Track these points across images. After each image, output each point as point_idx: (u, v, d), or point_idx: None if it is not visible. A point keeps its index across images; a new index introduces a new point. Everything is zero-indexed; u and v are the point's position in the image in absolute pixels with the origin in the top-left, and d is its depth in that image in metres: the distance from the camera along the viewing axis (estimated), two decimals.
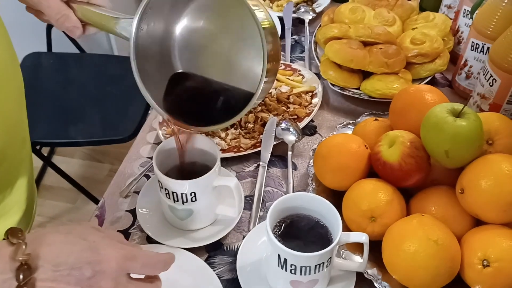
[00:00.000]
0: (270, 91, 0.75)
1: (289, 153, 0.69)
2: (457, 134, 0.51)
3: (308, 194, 0.54)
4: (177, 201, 0.55)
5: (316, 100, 0.77)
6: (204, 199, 0.56)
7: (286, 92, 0.77)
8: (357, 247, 0.56)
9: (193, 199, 0.55)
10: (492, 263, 0.48)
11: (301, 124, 0.73)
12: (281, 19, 0.95)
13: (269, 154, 0.69)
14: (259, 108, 0.73)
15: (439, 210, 0.54)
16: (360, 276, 0.55)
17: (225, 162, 0.69)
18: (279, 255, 0.49)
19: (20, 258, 0.37)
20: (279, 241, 0.49)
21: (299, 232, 0.52)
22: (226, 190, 0.57)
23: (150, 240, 0.59)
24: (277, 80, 0.79)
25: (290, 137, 0.71)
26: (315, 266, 0.48)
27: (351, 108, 0.79)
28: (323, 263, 0.48)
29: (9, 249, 0.38)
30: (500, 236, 0.50)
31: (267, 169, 0.69)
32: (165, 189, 0.55)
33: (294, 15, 0.96)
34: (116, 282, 0.40)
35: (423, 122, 0.54)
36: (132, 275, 0.42)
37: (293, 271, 0.49)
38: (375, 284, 0.53)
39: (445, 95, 0.83)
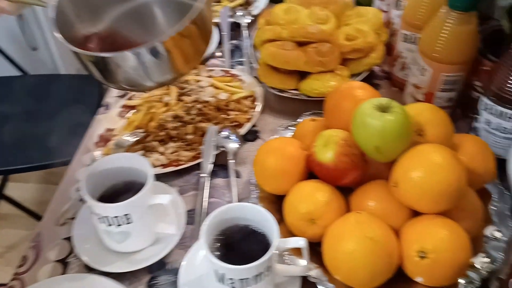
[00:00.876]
0: (207, 100, 0.74)
1: (232, 161, 0.68)
2: (384, 129, 0.51)
3: (243, 204, 0.53)
4: (112, 224, 0.53)
5: (256, 105, 0.76)
6: (140, 219, 0.54)
7: (225, 99, 0.76)
8: (301, 251, 0.56)
9: (128, 221, 0.53)
10: (428, 254, 0.49)
11: (242, 131, 0.72)
12: (218, 25, 0.94)
13: (211, 165, 0.67)
14: (198, 118, 0.72)
15: (376, 205, 0.54)
16: (307, 279, 0.54)
17: (166, 177, 0.68)
18: (216, 270, 0.48)
19: None
20: (218, 255, 0.48)
21: (239, 244, 0.52)
22: (164, 207, 0.56)
23: (89, 268, 0.57)
24: (215, 87, 0.78)
25: (231, 145, 0.70)
26: (254, 277, 0.47)
27: (292, 109, 0.78)
28: (262, 273, 0.48)
29: None
30: (434, 226, 0.50)
31: (210, 180, 0.68)
32: (97, 213, 0.53)
33: (231, 19, 0.96)
34: None
35: (353, 119, 0.54)
36: None
37: (233, 285, 0.48)
38: (319, 287, 0.52)
39: (385, 88, 0.85)
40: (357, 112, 0.53)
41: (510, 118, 0.61)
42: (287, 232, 0.58)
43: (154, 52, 0.52)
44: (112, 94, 0.84)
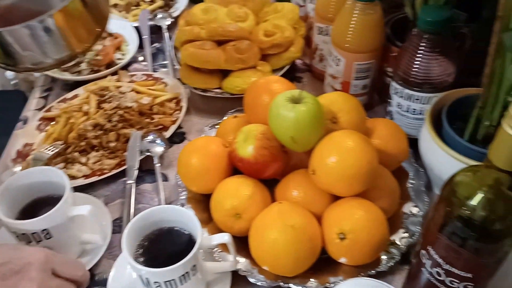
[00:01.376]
0: (130, 105, 0.73)
1: (157, 165, 0.68)
2: (297, 120, 0.53)
3: (164, 207, 0.53)
4: (31, 241, 0.51)
5: (181, 106, 0.76)
6: (60, 233, 0.53)
7: (148, 103, 0.75)
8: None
9: (47, 236, 0.51)
10: (347, 235, 0.51)
11: (168, 133, 0.72)
12: (138, 28, 0.93)
13: (136, 171, 0.66)
14: (120, 125, 0.70)
15: (299, 194, 0.56)
16: (239, 274, 0.55)
17: (92, 187, 0.66)
18: (140, 276, 0.47)
19: None
20: (142, 260, 0.48)
21: (164, 247, 0.51)
22: (86, 217, 0.54)
23: None
24: (137, 92, 0.77)
25: (157, 149, 0.69)
26: (180, 278, 0.47)
27: (217, 108, 0.79)
28: (188, 272, 0.48)
29: None
30: (351, 208, 0.52)
31: (138, 186, 0.67)
32: (14, 232, 0.51)
33: (152, 22, 0.95)
34: (43, 274, 0.43)
35: (269, 112, 0.55)
36: None
37: None
38: (250, 279, 0.53)
39: (307, 80, 0.87)
40: (272, 105, 0.55)
41: (417, 99, 0.65)
42: (216, 229, 0.58)
43: (45, 27, 0.53)
44: (30, 107, 0.80)
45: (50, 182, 0.55)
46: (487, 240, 0.39)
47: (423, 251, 0.45)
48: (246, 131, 0.58)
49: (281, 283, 0.53)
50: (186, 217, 0.51)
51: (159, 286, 0.47)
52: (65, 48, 0.56)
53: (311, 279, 0.53)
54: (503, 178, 0.37)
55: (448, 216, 0.40)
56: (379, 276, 0.55)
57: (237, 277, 0.55)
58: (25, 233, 0.51)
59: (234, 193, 0.56)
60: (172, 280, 0.47)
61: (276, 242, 0.50)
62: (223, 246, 0.57)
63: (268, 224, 0.52)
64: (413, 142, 0.65)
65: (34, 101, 0.82)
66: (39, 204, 0.56)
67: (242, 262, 0.55)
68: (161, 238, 0.52)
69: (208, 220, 0.59)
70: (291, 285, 0.52)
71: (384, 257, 0.55)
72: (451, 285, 0.43)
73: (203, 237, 0.49)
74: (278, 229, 0.50)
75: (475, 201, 0.38)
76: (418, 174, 0.65)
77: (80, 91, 0.78)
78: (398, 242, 0.57)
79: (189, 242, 0.51)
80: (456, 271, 0.42)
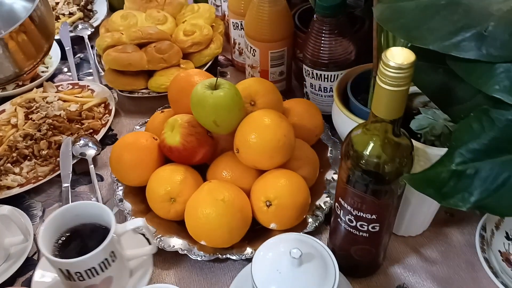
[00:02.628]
0: (58, 113, 0.75)
1: (91, 166, 0.70)
2: (217, 104, 0.57)
3: (75, 204, 0.54)
4: None
5: (110, 110, 0.79)
6: None
7: (76, 110, 0.77)
8: (170, 228, 0.60)
9: None
10: (273, 201, 0.56)
11: (99, 136, 0.74)
12: (60, 41, 0.94)
13: (70, 174, 0.68)
14: (50, 133, 0.72)
15: (227, 173, 0.61)
16: (183, 256, 0.59)
17: (28, 195, 0.67)
18: (60, 269, 0.49)
19: None
20: (60, 254, 0.50)
21: (82, 241, 0.52)
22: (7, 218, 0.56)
23: None
24: (64, 100, 0.79)
25: (90, 152, 0.71)
26: (100, 264, 0.49)
27: (146, 108, 0.82)
28: (107, 259, 0.50)
29: None
30: (275, 177, 0.58)
31: (74, 188, 0.69)
32: None
33: (73, 34, 0.96)
34: None
35: (191, 101, 0.60)
36: None
37: (81, 278, 0.50)
38: (191, 257, 0.57)
39: (230, 73, 0.92)
40: (193, 94, 0.59)
41: (326, 78, 0.72)
42: (155, 217, 0.62)
43: None
44: None
45: None
46: (382, 182, 0.46)
47: (336, 204, 0.51)
48: (172, 122, 0.62)
49: (219, 255, 0.57)
50: (98, 209, 0.53)
51: (80, 276, 0.49)
52: (12, 67, 0.56)
53: (247, 248, 0.58)
54: (386, 127, 0.43)
55: (349, 168, 0.47)
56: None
57: (179, 258, 0.59)
58: None
59: (167, 180, 0.59)
60: (93, 268, 0.49)
61: (209, 216, 0.54)
62: (164, 230, 0.60)
63: (200, 201, 0.56)
64: (329, 118, 0.72)
65: None
66: None
67: (182, 243, 0.59)
68: (78, 233, 0.53)
69: (146, 210, 0.63)
70: (228, 255, 0.57)
71: (310, 220, 0.61)
72: (361, 228, 0.50)
73: (117, 225, 0.51)
74: (209, 204, 0.55)
75: (367, 150, 0.45)
76: (336, 145, 0.72)
77: (6, 106, 0.78)
78: (322, 205, 0.63)
79: (105, 232, 0.51)
80: (363, 214, 0.48)
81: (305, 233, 0.60)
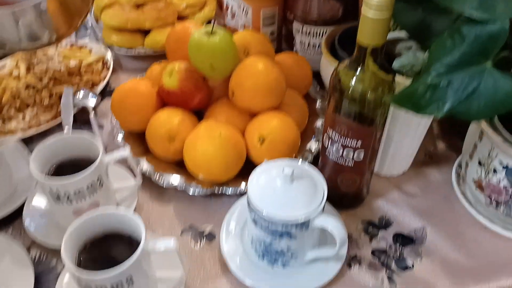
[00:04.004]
0: (59, 67, 0.78)
1: (91, 115, 0.73)
2: (214, 48, 0.61)
3: (64, 136, 0.57)
4: None
5: (108, 66, 0.82)
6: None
7: (76, 65, 0.80)
8: (167, 168, 0.64)
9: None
10: (266, 138, 0.60)
11: (98, 89, 0.77)
12: None
13: (71, 121, 0.71)
14: (51, 84, 0.75)
15: (222, 116, 0.64)
16: (180, 192, 0.62)
17: (31, 142, 0.70)
18: (51, 191, 0.52)
19: None
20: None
21: (71, 171, 0.52)
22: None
23: None
24: (64, 56, 0.82)
25: (90, 102, 0.75)
26: (87, 186, 0.52)
27: (143, 66, 0.85)
28: (94, 182, 0.53)
29: None
30: (268, 117, 0.62)
31: None
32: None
33: None
34: None
35: (189, 47, 0.63)
36: None
37: (69, 202, 0.53)
38: (189, 193, 0.61)
39: None
40: (191, 40, 0.63)
41: (315, 34, 0.76)
42: (154, 158, 0.65)
43: (37, 9, 0.50)
44: None
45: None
46: (366, 110, 0.50)
47: (325, 135, 0.56)
48: (170, 68, 0.65)
49: (216, 190, 0.61)
50: (88, 143, 0.56)
51: (69, 197, 0.52)
52: (52, 31, 0.53)
53: (241, 183, 0.62)
54: (369, 58, 0.48)
55: (337, 100, 0.51)
56: None
57: (177, 194, 0.63)
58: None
59: (166, 121, 0.63)
60: (81, 188, 0.52)
61: (207, 151, 0.58)
62: (163, 169, 0.64)
63: (197, 138, 0.60)
64: (316, 75, 0.76)
65: None
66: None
67: (180, 180, 0.62)
68: (67, 164, 0.56)
69: (145, 151, 0.67)
70: (225, 188, 0.61)
71: (300, 160, 0.66)
72: (347, 157, 0.54)
73: (104, 156, 0.55)
74: (207, 140, 0.59)
75: (352, 81, 0.49)
76: (324, 98, 0.77)
77: (7, 61, 0.81)
78: (311, 149, 0.67)
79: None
80: (349, 142, 0.53)
81: None
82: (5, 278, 0.53)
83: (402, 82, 0.54)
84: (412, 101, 0.42)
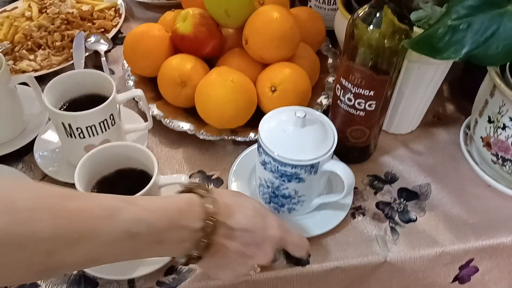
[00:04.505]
0: (71, 11, 0.77)
1: (103, 59, 0.73)
2: None
3: (77, 71, 0.57)
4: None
5: (120, 13, 0.81)
6: (3, 104, 0.57)
7: (88, 10, 0.80)
8: (178, 114, 0.65)
9: None
10: (277, 87, 0.61)
11: (110, 35, 0.77)
12: None
13: (83, 63, 0.72)
14: (63, 27, 0.74)
15: (234, 65, 0.64)
16: (188, 136, 0.63)
17: (42, 81, 0.70)
18: (63, 124, 0.52)
19: (212, 212, 0.39)
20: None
21: (84, 107, 0.53)
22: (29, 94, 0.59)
23: None
24: (77, 1, 0.81)
25: (101, 47, 0.75)
26: (100, 124, 0.53)
27: (155, 16, 0.85)
28: (106, 120, 0.53)
29: (199, 201, 0.39)
30: (280, 67, 0.62)
31: None
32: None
33: None
34: (274, 250, 0.44)
35: None
36: None
37: (81, 135, 0.53)
38: (199, 136, 0.62)
39: None
40: None
41: None
42: (165, 104, 0.66)
43: None
44: None
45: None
46: (381, 57, 0.50)
47: (337, 85, 0.56)
48: (185, 13, 0.65)
49: (225, 136, 0.62)
50: (101, 79, 0.56)
51: (81, 132, 0.53)
52: None
53: (250, 133, 0.62)
54: (388, 5, 0.47)
55: (353, 46, 0.51)
56: None
57: (187, 140, 0.63)
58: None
59: (178, 66, 0.63)
60: (93, 125, 0.52)
61: (219, 94, 0.59)
62: (173, 115, 0.64)
63: (210, 82, 0.60)
64: (330, 33, 0.76)
65: None
66: None
67: (190, 127, 0.63)
68: (80, 101, 0.56)
69: (156, 97, 0.67)
70: (233, 137, 0.62)
71: None
72: (359, 107, 0.55)
73: (117, 94, 0.55)
74: (219, 84, 0.59)
75: (370, 26, 0.49)
76: (335, 56, 0.76)
77: (19, 3, 0.80)
78: (322, 102, 0.68)
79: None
80: (361, 91, 0.53)
81: None
82: None
83: (418, 31, 0.53)
84: (430, 45, 0.42)
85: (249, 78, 0.63)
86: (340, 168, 0.50)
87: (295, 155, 0.48)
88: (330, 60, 0.75)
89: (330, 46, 0.78)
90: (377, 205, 0.58)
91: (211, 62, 0.68)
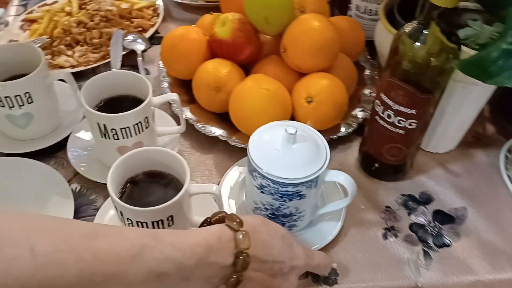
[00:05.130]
0: (110, 9, 0.78)
1: (139, 58, 0.73)
2: (270, 1, 0.60)
3: (113, 71, 0.59)
4: (13, 106, 0.56)
5: (158, 13, 0.82)
6: (41, 99, 0.57)
7: (127, 8, 0.80)
8: (211, 119, 0.64)
9: (29, 100, 0.56)
10: (314, 98, 0.59)
11: (147, 34, 0.77)
12: None
13: (120, 62, 0.72)
14: (102, 24, 0.75)
15: (270, 72, 0.63)
16: (219, 142, 0.62)
17: (78, 78, 0.71)
18: (98, 124, 0.52)
19: (243, 247, 0.37)
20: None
21: (120, 107, 0.53)
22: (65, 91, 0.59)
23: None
24: None
25: (138, 46, 0.75)
26: (134, 126, 0.53)
27: (192, 17, 0.84)
28: (141, 122, 0.53)
29: (230, 235, 0.38)
30: (318, 78, 0.61)
31: None
32: None
33: None
34: (297, 279, 0.43)
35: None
36: None
37: (115, 136, 0.52)
38: (230, 143, 0.61)
39: None
40: None
41: None
42: (198, 108, 0.65)
43: None
44: (10, 13, 0.83)
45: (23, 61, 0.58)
46: (426, 75, 0.48)
47: (377, 101, 0.54)
48: (223, 18, 0.64)
49: None
50: (139, 81, 0.56)
51: (115, 134, 0.52)
52: None
53: None
54: (437, 22, 0.46)
55: (397, 62, 0.49)
56: (340, 141, 0.64)
57: (218, 145, 0.63)
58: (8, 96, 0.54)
59: (214, 71, 0.62)
60: (127, 127, 0.52)
61: (254, 102, 0.58)
62: (205, 120, 0.64)
63: (245, 89, 0.59)
64: (369, 43, 0.74)
65: (13, 8, 0.84)
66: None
67: (222, 132, 0.62)
68: (117, 101, 0.56)
69: (190, 101, 0.66)
70: None
71: (343, 127, 0.64)
72: (399, 124, 0.53)
73: (152, 97, 0.54)
74: (255, 92, 0.58)
75: (416, 42, 0.47)
76: (373, 67, 0.74)
77: None
78: (357, 115, 0.66)
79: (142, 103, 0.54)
80: (403, 109, 0.51)
81: (337, 137, 0.63)
82: (47, 206, 0.54)
83: (466, 50, 0.51)
84: (481, 68, 0.40)
85: (285, 87, 0.62)
86: (341, 177, 0.49)
87: (295, 173, 0.46)
88: (367, 71, 0.73)
89: (369, 57, 0.76)
90: (411, 226, 0.56)
91: (247, 68, 0.67)
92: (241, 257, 0.37)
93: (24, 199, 0.55)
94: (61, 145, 0.61)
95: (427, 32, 0.47)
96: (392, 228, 0.56)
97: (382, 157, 0.58)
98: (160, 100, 0.56)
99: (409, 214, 0.57)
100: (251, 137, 0.49)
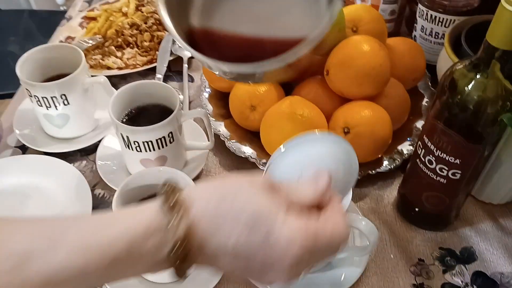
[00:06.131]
0: None
1: (185, 65, 0.72)
2: None
3: (145, 82, 0.56)
4: (50, 107, 0.57)
5: None
6: (77, 101, 0.58)
7: None
8: (244, 137, 0.61)
9: (65, 102, 0.57)
10: (352, 129, 0.54)
11: None
12: None
13: (165, 68, 0.71)
14: (154, 27, 0.75)
15: (310, 94, 0.59)
16: (249, 162, 0.59)
17: (124, 80, 0.72)
18: (122, 135, 0.52)
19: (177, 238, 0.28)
20: (126, 121, 0.53)
21: (148, 118, 0.54)
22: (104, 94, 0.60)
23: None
24: None
25: (186, 52, 0.74)
26: (157, 140, 0.51)
27: None
28: (164, 137, 0.52)
29: (161, 222, 0.29)
30: (357, 107, 0.56)
31: (165, 82, 0.72)
32: (35, 96, 0.56)
33: None
34: (297, 269, 0.31)
35: None
36: None
37: (138, 149, 0.52)
38: (259, 166, 0.58)
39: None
40: None
41: (440, 22, 0.66)
42: (233, 124, 0.63)
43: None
44: (76, 8, 0.86)
45: (64, 58, 0.60)
46: (476, 123, 0.42)
47: (419, 143, 0.48)
48: None
49: None
50: (168, 92, 0.55)
51: (138, 146, 0.52)
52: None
53: None
54: (495, 63, 0.39)
55: (444, 103, 0.43)
56: (380, 177, 0.58)
57: (246, 165, 0.60)
58: (45, 96, 0.57)
59: (251, 88, 0.60)
60: (150, 141, 0.51)
61: (285, 128, 0.54)
62: (237, 137, 0.61)
63: (279, 112, 0.56)
64: (432, 69, 0.67)
65: (79, 3, 0.87)
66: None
67: (252, 154, 0.59)
68: (145, 110, 0.56)
69: (226, 115, 0.64)
70: None
71: (386, 161, 0.59)
72: (441, 173, 0.47)
73: (181, 111, 0.53)
74: (288, 116, 0.54)
75: (469, 85, 0.41)
76: (432, 96, 0.67)
77: None
78: (403, 151, 0.60)
79: (170, 113, 0.52)
80: (446, 157, 0.45)
81: (378, 173, 0.57)
82: (65, 210, 0.55)
83: None
84: None
85: (325, 112, 0.58)
86: (362, 223, 0.44)
87: None
88: (425, 101, 0.66)
89: (430, 84, 0.68)
90: (443, 286, 0.50)
91: (288, 85, 0.63)
92: (175, 249, 0.28)
93: (47, 197, 0.56)
94: (96, 147, 0.61)
95: (483, 73, 0.40)
96: (421, 286, 0.49)
97: (421, 205, 0.52)
98: (188, 116, 0.55)
99: (444, 272, 0.51)
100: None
